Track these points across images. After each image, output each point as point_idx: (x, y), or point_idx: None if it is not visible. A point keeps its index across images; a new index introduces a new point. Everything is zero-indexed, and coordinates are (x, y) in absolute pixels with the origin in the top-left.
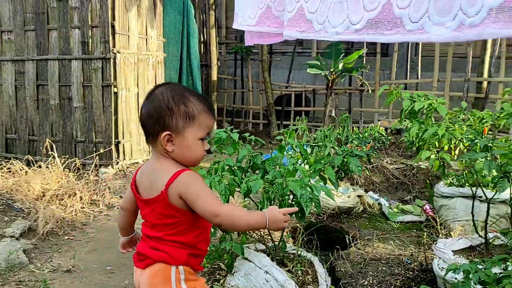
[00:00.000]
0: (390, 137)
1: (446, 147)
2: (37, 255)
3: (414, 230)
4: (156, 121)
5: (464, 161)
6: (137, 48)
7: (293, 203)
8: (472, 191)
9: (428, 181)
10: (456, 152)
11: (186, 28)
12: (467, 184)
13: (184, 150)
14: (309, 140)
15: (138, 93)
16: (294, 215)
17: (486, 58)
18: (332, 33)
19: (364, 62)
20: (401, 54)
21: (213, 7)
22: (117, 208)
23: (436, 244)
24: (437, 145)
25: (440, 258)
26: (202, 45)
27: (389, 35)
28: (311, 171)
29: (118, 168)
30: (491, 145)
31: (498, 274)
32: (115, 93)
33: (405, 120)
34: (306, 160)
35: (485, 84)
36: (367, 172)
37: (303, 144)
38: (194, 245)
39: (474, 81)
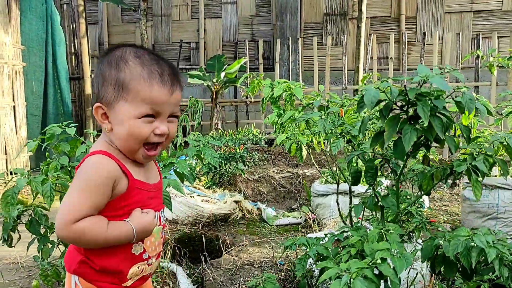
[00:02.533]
0: (274, 148)
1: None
2: None
3: (292, 232)
4: (96, 88)
5: (318, 143)
6: None
7: None
8: (336, 181)
9: (305, 182)
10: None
11: (51, 36)
12: (341, 180)
13: (115, 129)
14: None
15: None
16: None
17: (360, 69)
18: None
19: (248, 74)
20: (285, 68)
21: (84, 15)
22: None
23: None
24: (296, 130)
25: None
26: (73, 56)
27: None
28: (164, 165)
29: None
30: (326, 104)
31: (339, 248)
32: None
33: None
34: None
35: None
36: (243, 176)
37: None
38: (84, 253)
39: (351, 89)
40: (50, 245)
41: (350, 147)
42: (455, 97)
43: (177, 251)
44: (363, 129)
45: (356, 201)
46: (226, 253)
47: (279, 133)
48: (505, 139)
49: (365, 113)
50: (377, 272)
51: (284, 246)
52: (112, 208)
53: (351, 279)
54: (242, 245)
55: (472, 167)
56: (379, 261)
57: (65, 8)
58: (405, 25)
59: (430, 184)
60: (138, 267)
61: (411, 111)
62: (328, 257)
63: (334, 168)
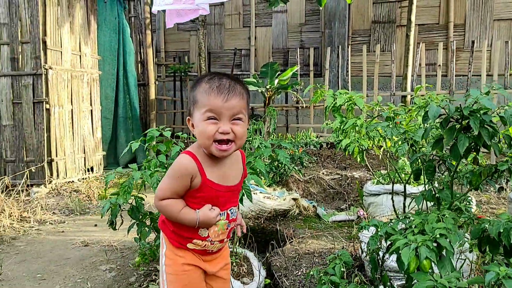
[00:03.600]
0: (324, 151)
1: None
2: None
3: (346, 228)
4: (191, 105)
5: (380, 147)
6: (70, 65)
7: None
8: (391, 181)
9: (358, 183)
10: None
11: (122, 47)
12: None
13: (197, 132)
14: None
15: (72, 110)
16: None
17: (408, 75)
18: None
19: (299, 81)
20: (333, 74)
21: (150, 27)
22: (49, 223)
23: (361, 232)
24: (357, 135)
25: (365, 243)
26: (139, 64)
27: None
28: None
29: (51, 187)
30: (393, 115)
31: (403, 229)
32: (48, 110)
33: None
34: None
35: (408, 98)
36: (301, 177)
37: None
38: (172, 225)
39: (399, 95)
40: (147, 229)
41: (411, 150)
42: (499, 113)
43: (243, 240)
44: (426, 136)
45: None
46: (289, 243)
47: (341, 138)
48: None
49: (429, 123)
50: (435, 245)
51: (361, 225)
52: (190, 196)
53: (417, 248)
54: (302, 237)
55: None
56: (438, 236)
57: (133, 20)
58: (453, 32)
59: (478, 180)
60: (202, 242)
61: (464, 123)
62: (395, 235)
63: (385, 170)
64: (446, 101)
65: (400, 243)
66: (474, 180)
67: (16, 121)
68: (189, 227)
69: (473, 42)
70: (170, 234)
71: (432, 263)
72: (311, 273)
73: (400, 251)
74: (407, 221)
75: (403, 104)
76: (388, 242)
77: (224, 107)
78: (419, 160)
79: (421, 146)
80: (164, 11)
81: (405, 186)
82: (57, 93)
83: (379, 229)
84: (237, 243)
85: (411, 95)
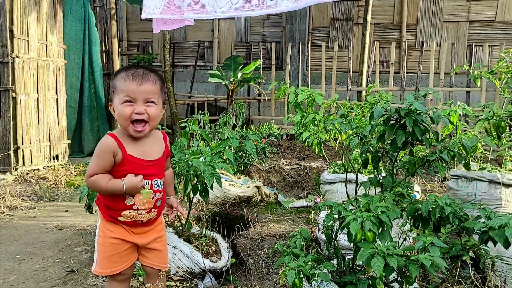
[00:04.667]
0: (283, 142)
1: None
2: None
3: (304, 213)
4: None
5: (336, 140)
6: (37, 54)
7: (197, 181)
8: (345, 170)
9: (316, 173)
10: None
11: (88, 36)
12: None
13: (116, 115)
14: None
15: (38, 98)
16: (199, 195)
17: (364, 72)
18: (220, 12)
19: (261, 74)
20: (294, 68)
21: (115, 17)
22: (20, 209)
23: (318, 215)
24: (316, 128)
25: (321, 224)
26: (104, 54)
27: (257, 10)
28: (213, 153)
29: (17, 174)
30: (347, 113)
31: (353, 209)
32: (14, 98)
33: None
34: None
35: (364, 93)
36: (264, 165)
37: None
38: (99, 195)
39: (355, 90)
40: None
41: (361, 143)
42: (429, 114)
43: (210, 225)
44: (372, 131)
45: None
46: (253, 226)
47: (301, 130)
48: (460, 140)
49: (374, 121)
50: (378, 221)
51: (318, 206)
52: (114, 170)
53: (363, 222)
54: (264, 221)
55: (438, 157)
56: (380, 212)
57: (98, 10)
58: (406, 31)
59: (413, 168)
60: (129, 213)
61: (402, 121)
62: (346, 215)
63: (341, 161)
64: (388, 103)
65: (349, 218)
66: (410, 168)
67: None
68: (117, 199)
69: (422, 42)
70: (103, 209)
71: (376, 236)
72: (276, 246)
73: (349, 226)
74: (356, 203)
75: (358, 99)
76: (341, 221)
77: (138, 91)
78: (367, 152)
79: (369, 139)
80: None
81: (356, 175)
82: (23, 81)
83: (333, 209)
84: (205, 227)
85: (366, 91)
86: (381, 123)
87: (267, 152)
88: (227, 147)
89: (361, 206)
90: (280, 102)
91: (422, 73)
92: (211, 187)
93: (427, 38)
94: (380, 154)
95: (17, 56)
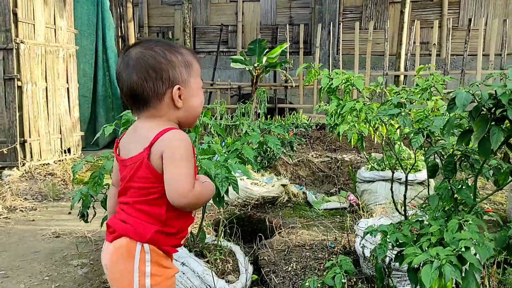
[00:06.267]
0: (313, 133)
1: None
2: None
3: (338, 216)
4: (159, 79)
5: (380, 134)
6: (44, 39)
7: None
8: (391, 169)
9: (350, 167)
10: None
11: (101, 21)
12: (387, 167)
13: (191, 102)
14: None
15: (47, 87)
16: (212, 201)
17: (402, 54)
18: None
19: (288, 59)
20: (323, 52)
21: (131, 0)
22: (20, 210)
23: (358, 224)
24: (355, 119)
25: (360, 236)
26: (120, 39)
27: None
28: (230, 151)
29: (25, 170)
30: (404, 101)
31: (415, 235)
32: (19, 87)
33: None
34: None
35: (401, 78)
36: (291, 160)
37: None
38: (164, 221)
39: (392, 75)
40: None
41: (427, 143)
42: None
43: (229, 230)
44: (448, 128)
45: (398, 187)
46: (278, 234)
47: (337, 122)
48: None
49: (455, 113)
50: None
51: (363, 232)
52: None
53: (441, 267)
54: (292, 227)
55: None
56: (463, 249)
57: None
58: (448, 9)
59: (506, 179)
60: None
61: (498, 113)
62: (406, 243)
63: (377, 153)
64: (478, 86)
65: (418, 259)
66: (501, 179)
67: None
68: (186, 215)
69: (470, 19)
70: (156, 240)
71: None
72: (307, 284)
73: (420, 268)
74: (420, 227)
75: (395, 84)
76: (398, 249)
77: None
78: (437, 155)
79: (438, 137)
80: None
81: (406, 177)
82: (29, 69)
83: (388, 235)
84: (222, 236)
85: (405, 76)
86: (464, 115)
87: (294, 146)
88: (245, 144)
89: (430, 234)
90: (309, 89)
91: (467, 55)
92: (226, 193)
93: (471, 15)
94: (455, 159)
95: (22, 42)
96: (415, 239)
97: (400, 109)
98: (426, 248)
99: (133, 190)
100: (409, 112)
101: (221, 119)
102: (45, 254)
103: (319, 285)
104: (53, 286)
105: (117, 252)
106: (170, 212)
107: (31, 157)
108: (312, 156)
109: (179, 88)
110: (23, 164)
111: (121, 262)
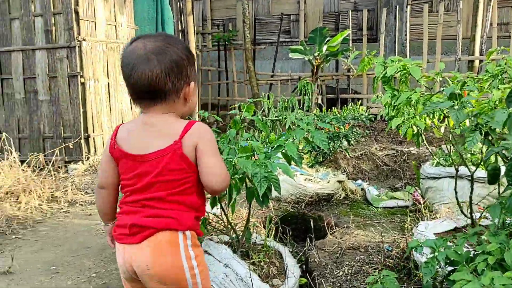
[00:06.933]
0: (377, 124)
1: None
2: None
3: (399, 215)
4: (179, 74)
5: (438, 128)
6: (105, 36)
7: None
8: (455, 167)
9: (414, 162)
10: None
11: (161, 15)
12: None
13: (193, 99)
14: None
15: (108, 83)
16: (256, 201)
17: (476, 38)
18: None
19: (351, 46)
20: (390, 38)
21: None
22: (80, 204)
23: (417, 227)
24: (412, 112)
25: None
26: (180, 34)
27: None
28: (272, 148)
29: (89, 164)
30: (459, 92)
31: (472, 252)
32: (83, 84)
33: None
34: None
35: (476, 63)
36: (348, 155)
37: (263, 120)
38: (198, 207)
39: (465, 60)
40: None
41: (487, 142)
42: None
43: (281, 228)
44: (510, 124)
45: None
46: (331, 234)
47: (392, 114)
48: None
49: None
50: None
51: (409, 247)
52: None
53: None
54: (346, 227)
55: None
56: None
57: None
58: None
59: None
60: None
61: None
62: (459, 262)
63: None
64: None
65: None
66: None
67: (52, 96)
68: (205, 200)
69: None
70: (193, 226)
71: None
72: None
73: None
74: (477, 242)
75: (470, 70)
76: (450, 268)
77: None
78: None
79: (500, 136)
80: None
81: (472, 176)
82: (92, 66)
83: (436, 252)
84: (269, 234)
85: (480, 60)
86: None
87: (351, 140)
88: (289, 140)
89: (486, 252)
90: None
91: None
92: (265, 194)
93: None
94: None
95: (83, 39)
96: (471, 256)
97: (454, 102)
98: (482, 270)
99: (162, 184)
100: (472, 104)
101: (268, 113)
102: (96, 250)
103: None
104: (99, 284)
105: (160, 246)
106: (200, 199)
107: (95, 151)
108: (376, 149)
109: (189, 84)
110: (87, 158)
111: (167, 254)
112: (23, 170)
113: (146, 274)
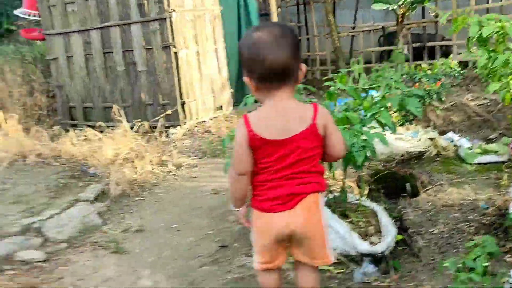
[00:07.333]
0: (469, 72)
1: None
2: (110, 217)
3: (494, 172)
4: (299, 57)
5: None
6: (192, 5)
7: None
8: None
9: (509, 114)
10: None
11: None
12: None
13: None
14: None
15: (198, 51)
16: (352, 166)
17: None
18: None
19: None
20: None
21: None
22: (185, 167)
23: None
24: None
25: None
26: None
27: None
28: (366, 117)
29: (187, 128)
30: None
31: None
32: (175, 53)
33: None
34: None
35: None
36: (438, 112)
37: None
38: (323, 172)
39: None
40: None
41: None
42: None
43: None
44: None
45: None
46: (424, 192)
47: (487, 78)
48: None
49: None
50: None
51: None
52: None
53: None
54: (440, 184)
55: None
56: None
57: None
58: None
59: None
60: None
61: None
62: None
63: None
64: None
65: None
66: None
67: (149, 67)
68: None
69: None
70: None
71: None
72: (445, 264)
73: None
74: None
75: None
76: None
77: None
78: None
79: None
80: None
81: None
82: (182, 35)
83: None
84: (364, 194)
85: None
86: None
87: (443, 97)
88: (383, 108)
89: None
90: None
91: None
92: (362, 163)
93: None
94: None
95: (173, 10)
96: None
97: None
98: None
99: (305, 160)
100: None
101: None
102: (206, 210)
103: (460, 265)
104: (215, 240)
105: (309, 207)
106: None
107: (191, 116)
108: (467, 98)
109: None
110: (184, 123)
111: (316, 213)
112: (134, 138)
113: (302, 232)
